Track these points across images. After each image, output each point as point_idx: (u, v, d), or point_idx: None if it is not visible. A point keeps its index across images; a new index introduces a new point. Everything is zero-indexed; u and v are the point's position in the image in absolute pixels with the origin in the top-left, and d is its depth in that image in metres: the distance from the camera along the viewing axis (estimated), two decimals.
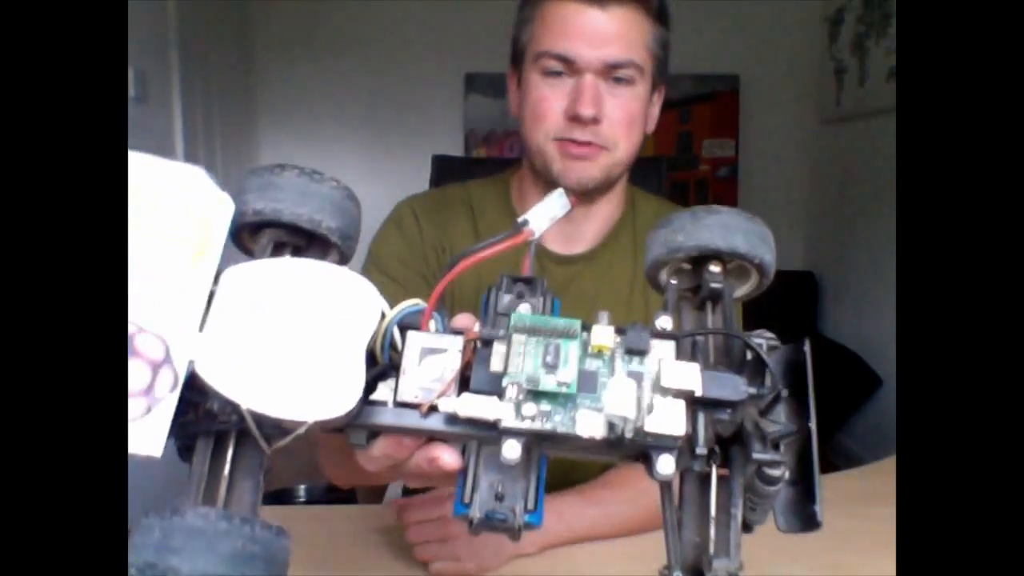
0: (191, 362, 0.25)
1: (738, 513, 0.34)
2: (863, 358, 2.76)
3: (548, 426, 0.34)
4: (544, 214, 0.38)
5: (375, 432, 0.37)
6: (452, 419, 0.35)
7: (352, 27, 3.20)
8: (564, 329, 0.35)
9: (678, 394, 0.34)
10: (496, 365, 0.35)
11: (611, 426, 0.34)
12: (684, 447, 0.34)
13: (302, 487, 2.05)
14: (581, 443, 0.34)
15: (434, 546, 0.72)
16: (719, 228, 0.38)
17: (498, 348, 0.35)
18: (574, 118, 0.78)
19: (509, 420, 0.33)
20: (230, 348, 0.26)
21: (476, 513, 0.35)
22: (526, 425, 0.33)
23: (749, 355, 0.36)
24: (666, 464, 0.33)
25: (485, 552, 0.72)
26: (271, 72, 3.21)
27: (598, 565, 0.79)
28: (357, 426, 0.35)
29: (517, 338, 0.35)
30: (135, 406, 0.24)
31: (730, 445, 0.35)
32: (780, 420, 0.35)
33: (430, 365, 0.35)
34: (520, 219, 0.38)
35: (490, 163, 2.19)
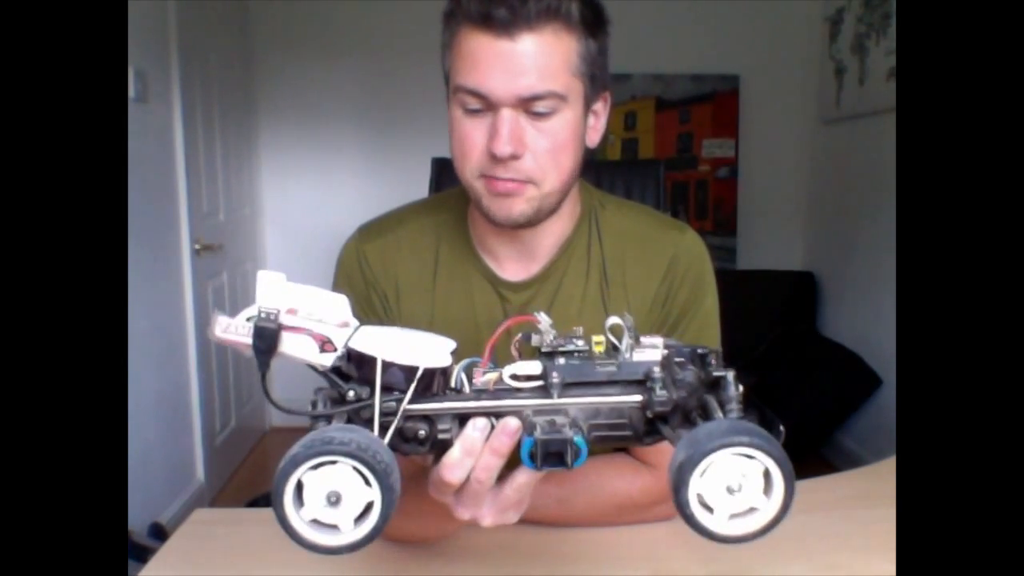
0: (346, 347, 0.50)
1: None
2: (862, 358, 2.77)
3: (571, 348, 0.54)
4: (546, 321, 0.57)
5: (462, 417, 0.53)
6: (507, 390, 0.53)
7: (352, 27, 3.21)
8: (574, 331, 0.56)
9: (653, 345, 0.53)
10: (535, 341, 0.54)
11: (614, 347, 0.53)
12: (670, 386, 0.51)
13: None
14: (598, 376, 0.52)
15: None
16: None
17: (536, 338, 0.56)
18: (492, 156, 0.75)
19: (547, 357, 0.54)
20: (373, 339, 0.51)
21: (540, 435, 0.50)
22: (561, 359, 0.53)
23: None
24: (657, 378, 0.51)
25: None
26: (271, 72, 3.21)
27: (598, 565, 0.80)
28: (445, 412, 0.53)
29: (546, 328, 0.55)
30: (312, 347, 0.50)
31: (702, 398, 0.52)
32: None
33: (488, 375, 0.54)
34: (535, 312, 0.57)
35: None
